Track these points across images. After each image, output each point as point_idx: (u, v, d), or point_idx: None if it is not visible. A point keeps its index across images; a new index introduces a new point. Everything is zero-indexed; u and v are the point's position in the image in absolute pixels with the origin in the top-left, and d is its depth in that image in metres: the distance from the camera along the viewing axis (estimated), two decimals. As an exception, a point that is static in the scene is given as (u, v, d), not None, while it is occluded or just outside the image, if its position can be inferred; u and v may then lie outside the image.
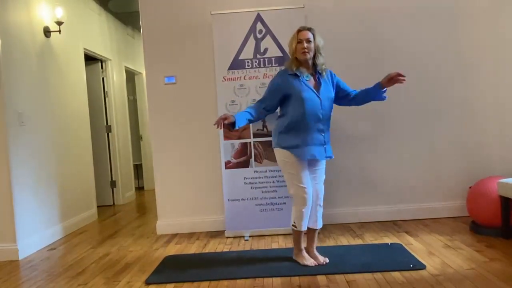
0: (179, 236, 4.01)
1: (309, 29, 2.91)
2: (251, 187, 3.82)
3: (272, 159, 3.85)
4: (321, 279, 2.70)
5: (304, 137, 2.88)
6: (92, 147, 5.27)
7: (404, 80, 2.84)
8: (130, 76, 7.18)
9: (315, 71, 2.95)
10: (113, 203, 6.05)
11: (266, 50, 3.87)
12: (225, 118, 2.74)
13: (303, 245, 3.05)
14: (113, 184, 6.04)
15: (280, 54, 3.86)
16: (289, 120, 2.90)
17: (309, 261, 2.96)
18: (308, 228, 3.02)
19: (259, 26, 3.87)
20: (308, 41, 2.86)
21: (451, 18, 4.04)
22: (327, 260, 2.98)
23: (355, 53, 4.06)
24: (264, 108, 2.94)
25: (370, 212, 4.07)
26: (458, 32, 4.05)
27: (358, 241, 3.47)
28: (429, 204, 4.07)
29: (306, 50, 2.85)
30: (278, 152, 2.97)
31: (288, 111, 2.91)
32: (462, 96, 4.06)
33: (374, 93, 2.98)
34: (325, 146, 2.93)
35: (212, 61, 3.97)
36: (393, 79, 2.85)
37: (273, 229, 3.83)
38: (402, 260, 2.91)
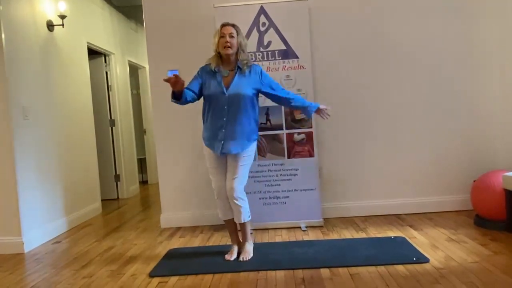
0: (183, 230, 4.02)
1: (233, 25, 2.97)
2: (254, 181, 3.82)
3: (276, 152, 3.85)
4: (324, 272, 2.70)
5: (209, 131, 3.01)
6: (96, 141, 5.28)
7: (325, 117, 3.05)
8: (134, 70, 7.18)
9: (236, 67, 2.99)
10: (117, 197, 6.07)
11: (269, 43, 3.85)
12: (177, 82, 2.74)
13: (237, 238, 3.16)
14: (117, 178, 6.06)
15: (284, 47, 3.84)
16: (203, 114, 3.07)
17: (226, 255, 3.07)
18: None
19: (262, 19, 3.85)
20: (231, 36, 2.92)
21: (457, 14, 4.00)
22: (245, 258, 3.00)
23: (359, 47, 4.03)
24: (188, 91, 2.96)
25: (374, 205, 4.07)
26: (465, 27, 4.00)
27: (362, 235, 3.47)
28: (433, 198, 4.06)
29: (229, 45, 2.90)
30: (203, 147, 3.11)
31: (203, 105, 3.07)
32: (467, 90, 4.03)
33: (307, 111, 3.05)
34: (222, 142, 2.95)
35: (215, 54, 3.96)
36: (321, 112, 3.03)
37: (276, 223, 3.83)
38: (406, 254, 2.91)
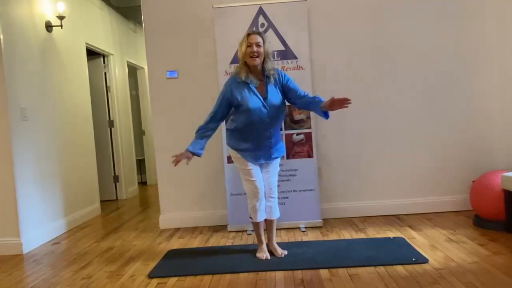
0: (182, 230, 4.02)
1: (259, 33, 2.92)
2: (253, 181, 3.81)
3: (275, 153, 3.85)
4: (324, 272, 2.70)
5: (251, 143, 2.95)
6: (94, 142, 5.28)
7: (348, 105, 2.65)
8: (132, 71, 7.18)
9: (264, 76, 2.94)
10: (116, 198, 6.07)
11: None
12: (180, 158, 2.92)
13: (264, 238, 3.14)
14: (116, 179, 6.06)
15: (282, 48, 3.84)
16: (237, 125, 2.96)
17: (260, 254, 3.05)
18: (265, 219, 3.11)
19: (261, 19, 3.85)
20: (258, 45, 2.85)
21: (458, 12, 4.01)
22: (286, 253, 3.05)
23: (357, 48, 4.04)
24: (216, 121, 2.99)
25: (373, 206, 4.07)
26: (464, 27, 4.01)
27: (361, 235, 3.47)
28: (432, 198, 4.06)
29: (256, 55, 2.85)
30: (231, 152, 3.06)
31: (237, 117, 2.96)
32: (466, 91, 4.04)
33: (316, 110, 2.85)
34: (271, 150, 2.99)
35: (214, 55, 3.96)
36: (336, 103, 2.66)
37: (275, 223, 3.83)
38: (405, 254, 2.91)
